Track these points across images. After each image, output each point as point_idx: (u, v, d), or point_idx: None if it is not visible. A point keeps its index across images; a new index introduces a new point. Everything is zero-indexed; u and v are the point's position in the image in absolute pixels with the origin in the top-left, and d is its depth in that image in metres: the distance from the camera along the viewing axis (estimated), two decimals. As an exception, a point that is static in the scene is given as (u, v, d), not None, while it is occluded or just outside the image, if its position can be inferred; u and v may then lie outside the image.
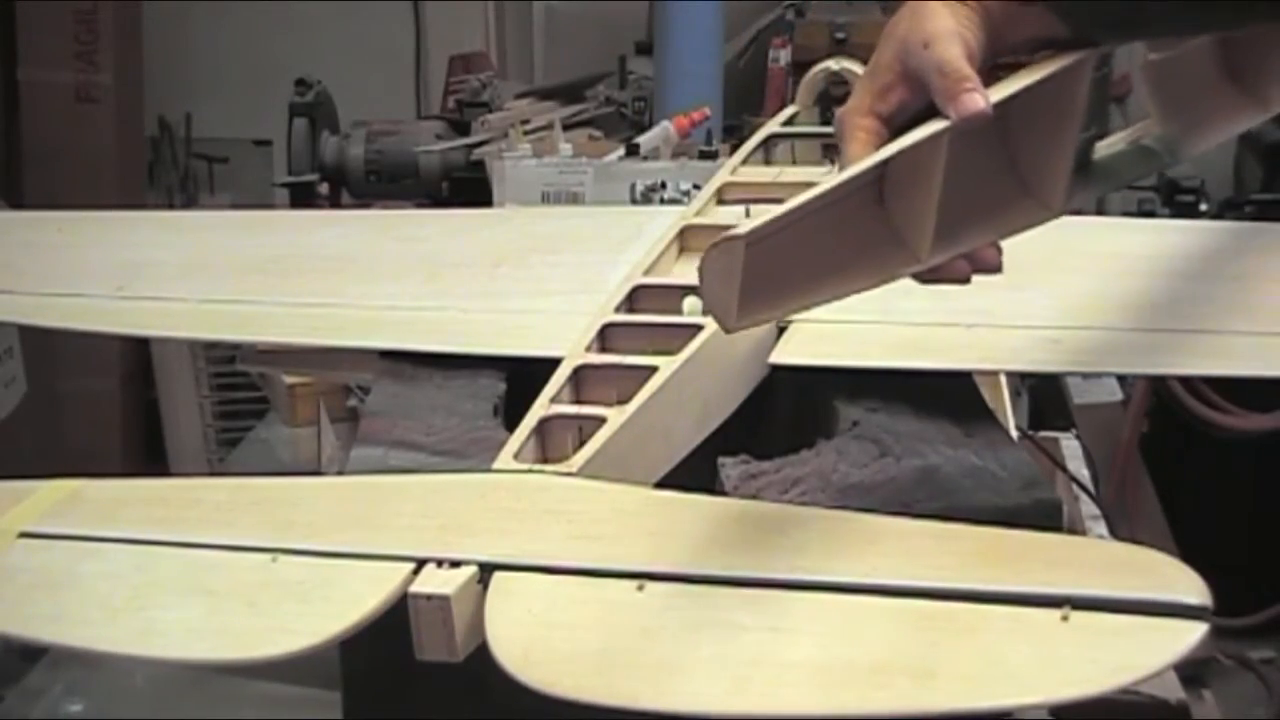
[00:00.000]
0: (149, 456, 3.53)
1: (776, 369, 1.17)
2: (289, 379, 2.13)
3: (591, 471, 0.95)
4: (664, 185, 1.96)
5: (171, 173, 3.88)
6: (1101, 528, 1.89)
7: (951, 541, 0.82)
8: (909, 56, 0.89)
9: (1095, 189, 1.00)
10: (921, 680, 0.73)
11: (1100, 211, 3.77)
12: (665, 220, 1.35)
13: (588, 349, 1.12)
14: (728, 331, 0.83)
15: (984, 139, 0.90)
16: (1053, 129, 0.93)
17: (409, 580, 0.82)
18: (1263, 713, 2.74)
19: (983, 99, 0.86)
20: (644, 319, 1.17)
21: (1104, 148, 1.00)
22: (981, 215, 0.92)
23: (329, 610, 0.83)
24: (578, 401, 1.06)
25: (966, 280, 0.92)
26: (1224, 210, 3.13)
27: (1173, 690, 1.48)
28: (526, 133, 2.23)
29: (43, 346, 3.15)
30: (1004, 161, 0.93)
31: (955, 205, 0.88)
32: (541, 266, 1.36)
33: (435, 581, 0.82)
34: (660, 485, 1.00)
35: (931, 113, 0.88)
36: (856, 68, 1.63)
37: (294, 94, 2.62)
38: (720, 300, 0.81)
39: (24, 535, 0.93)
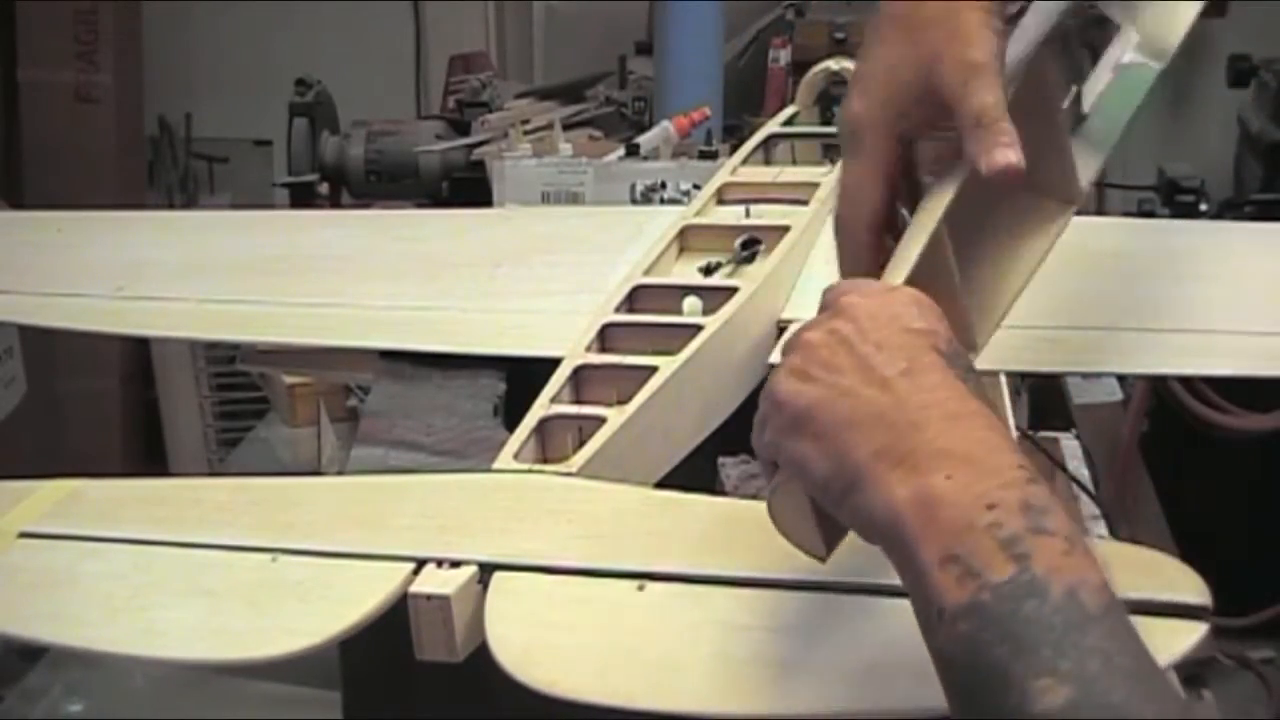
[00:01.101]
0: (149, 456, 3.53)
1: (776, 369, 1.17)
2: (289, 379, 2.13)
3: (591, 471, 0.95)
4: (664, 185, 1.96)
5: (171, 173, 3.87)
6: (1101, 528, 1.89)
7: (951, 541, 0.82)
8: (943, 87, 0.85)
9: (1101, 145, 0.97)
10: (921, 680, 0.72)
11: (1100, 211, 3.77)
12: (665, 220, 1.35)
13: (588, 349, 1.12)
14: (823, 560, 0.77)
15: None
16: (1042, 125, 0.92)
17: (409, 580, 0.83)
18: (1263, 713, 2.74)
19: (1016, 155, 0.83)
20: (644, 319, 1.17)
21: (1091, 94, 0.98)
22: (1010, 259, 0.91)
23: (329, 610, 0.83)
24: (578, 401, 1.06)
25: None
26: (1224, 210, 3.13)
27: (1173, 690, 1.48)
28: (526, 133, 2.23)
29: (43, 346, 3.15)
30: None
31: (983, 278, 0.87)
32: (541, 266, 1.36)
33: (435, 581, 0.82)
34: (660, 485, 1.00)
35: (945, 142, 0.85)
36: (856, 68, 1.62)
37: (294, 94, 2.62)
38: (802, 535, 0.76)
39: (24, 535, 0.93)
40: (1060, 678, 0.59)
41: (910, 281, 0.84)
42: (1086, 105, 0.98)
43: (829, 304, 0.77)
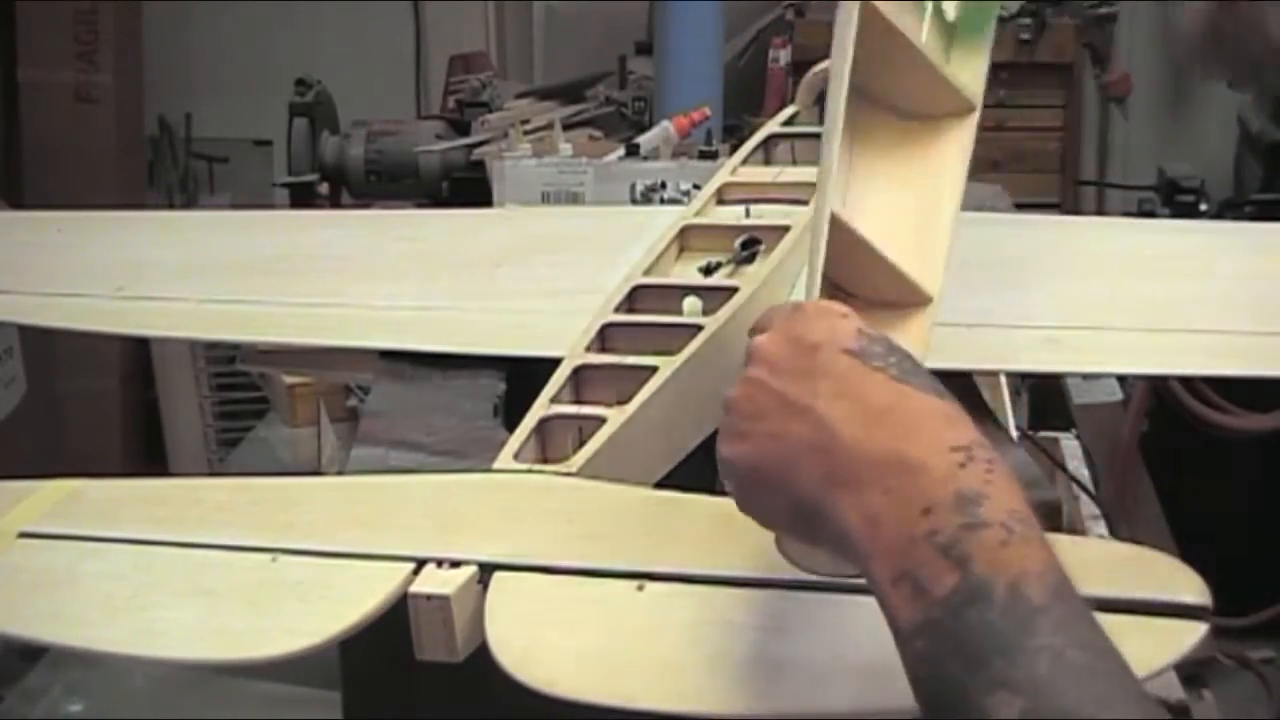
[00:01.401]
0: (149, 456, 3.53)
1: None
2: (289, 379, 2.13)
3: (591, 471, 0.95)
4: (664, 185, 1.96)
5: (171, 173, 3.87)
6: (1101, 528, 1.89)
7: (951, 541, 0.82)
8: None
9: (980, 43, 0.96)
10: (921, 680, 0.72)
11: (1100, 211, 3.78)
12: (665, 220, 1.35)
13: (588, 349, 1.12)
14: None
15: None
16: (907, 63, 0.92)
17: (409, 580, 0.83)
18: (1263, 713, 2.74)
19: None
20: (644, 319, 1.17)
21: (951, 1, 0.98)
22: (933, 189, 0.91)
23: (329, 610, 0.83)
24: (578, 401, 1.06)
25: None
26: (1224, 210, 3.13)
27: (1173, 690, 1.48)
28: (526, 133, 2.23)
29: (43, 346, 3.15)
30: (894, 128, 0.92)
31: (915, 218, 0.88)
32: (541, 266, 1.36)
33: (435, 581, 0.82)
34: (660, 485, 1.00)
35: None
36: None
37: (294, 94, 2.62)
38: (825, 565, 0.76)
39: (24, 535, 0.93)
40: (1013, 689, 0.61)
41: (829, 282, 0.84)
42: (951, 13, 0.97)
43: (746, 354, 0.78)
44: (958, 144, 0.96)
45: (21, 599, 0.89)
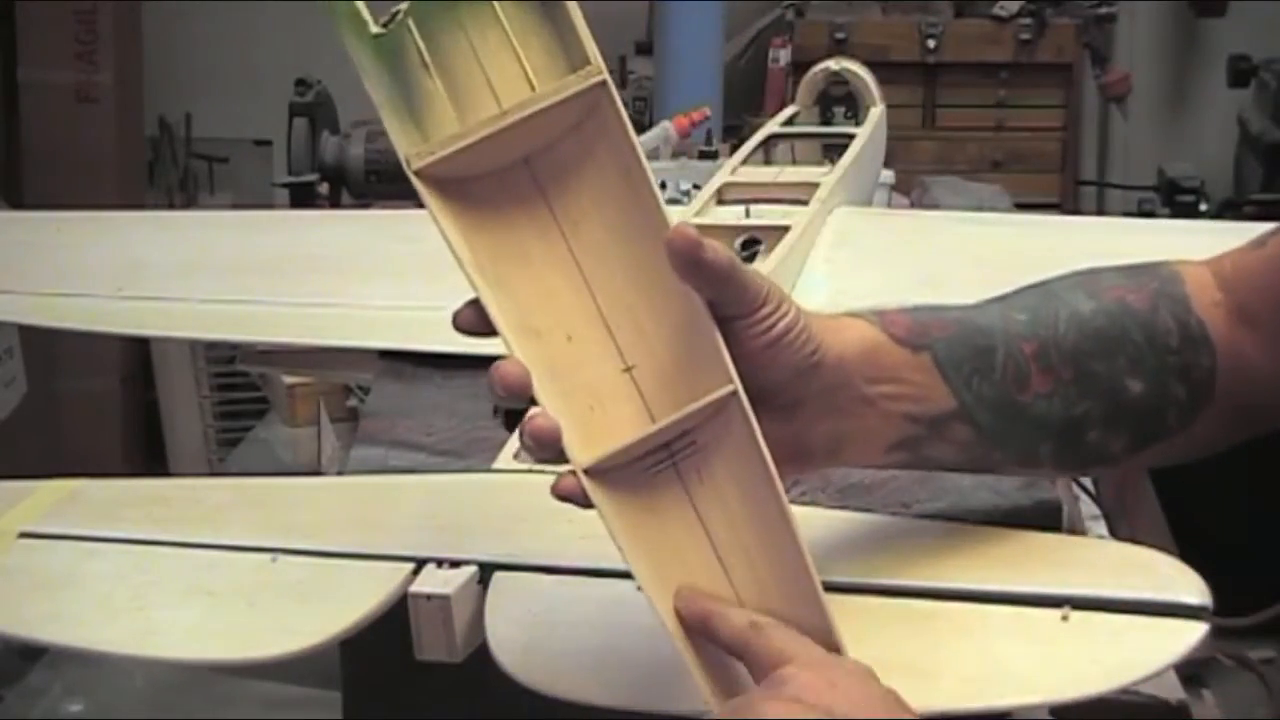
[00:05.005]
0: (149, 456, 3.53)
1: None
2: (289, 379, 2.13)
3: (591, 471, 0.95)
4: (664, 185, 1.96)
5: (171, 173, 3.87)
6: (1101, 528, 1.88)
7: (951, 541, 0.82)
8: None
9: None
10: (921, 680, 0.73)
11: (1100, 211, 3.78)
12: (665, 220, 1.35)
13: (587, 349, 1.11)
14: None
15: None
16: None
17: (409, 580, 0.82)
18: (1263, 713, 2.74)
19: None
20: (644, 319, 1.17)
21: None
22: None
23: (329, 610, 0.83)
24: (577, 401, 1.06)
25: None
26: (1224, 210, 3.14)
27: (1173, 690, 1.48)
28: (527, 133, 2.23)
29: (43, 346, 3.14)
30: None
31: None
32: (542, 267, 1.35)
33: (435, 581, 0.82)
34: (660, 485, 1.00)
35: None
36: (856, 68, 1.63)
37: (294, 94, 2.62)
38: None
39: (24, 535, 0.93)
40: None
41: None
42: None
43: (774, 679, 0.67)
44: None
45: (21, 599, 0.89)
